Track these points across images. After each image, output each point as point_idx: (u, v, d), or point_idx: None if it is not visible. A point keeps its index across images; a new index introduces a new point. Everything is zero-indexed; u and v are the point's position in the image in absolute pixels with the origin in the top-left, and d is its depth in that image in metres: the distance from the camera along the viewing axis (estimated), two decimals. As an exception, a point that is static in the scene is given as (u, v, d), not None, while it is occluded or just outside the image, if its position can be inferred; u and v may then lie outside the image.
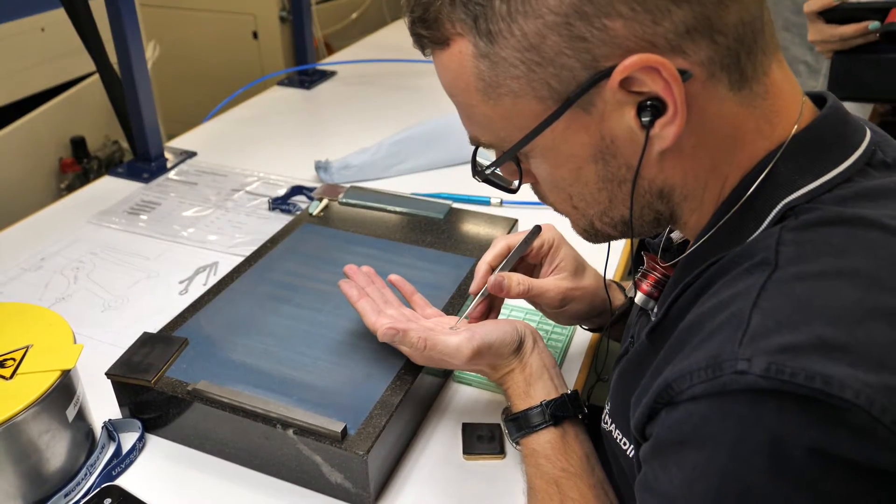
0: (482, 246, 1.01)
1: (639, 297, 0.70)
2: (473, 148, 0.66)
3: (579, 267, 0.86)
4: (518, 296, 0.82)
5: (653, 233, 0.64)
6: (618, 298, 0.89)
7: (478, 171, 0.66)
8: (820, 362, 0.45)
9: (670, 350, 0.55)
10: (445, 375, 0.89)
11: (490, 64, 0.55)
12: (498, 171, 0.66)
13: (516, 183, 0.66)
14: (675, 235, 0.72)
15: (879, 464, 0.44)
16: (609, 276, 1.00)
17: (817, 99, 0.60)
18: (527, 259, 0.86)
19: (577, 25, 0.51)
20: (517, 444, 0.77)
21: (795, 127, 0.56)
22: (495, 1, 0.53)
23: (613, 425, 0.68)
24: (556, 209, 0.66)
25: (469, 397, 0.88)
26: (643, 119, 0.53)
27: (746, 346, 0.47)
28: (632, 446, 0.64)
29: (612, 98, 0.53)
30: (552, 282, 0.84)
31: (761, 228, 0.55)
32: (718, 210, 0.58)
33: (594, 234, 0.65)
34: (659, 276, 0.69)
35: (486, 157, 0.67)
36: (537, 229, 0.85)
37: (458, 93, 0.60)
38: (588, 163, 0.58)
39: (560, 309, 0.85)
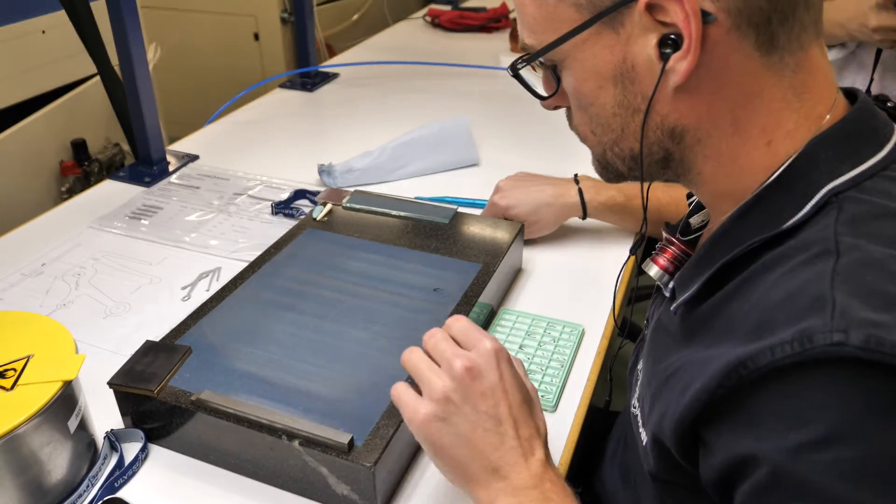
0: (488, 251, 1.00)
1: (654, 272, 0.71)
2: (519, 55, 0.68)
3: (531, 214, 1.08)
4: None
5: (662, 176, 0.66)
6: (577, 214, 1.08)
7: (510, 66, 0.68)
8: None
9: (718, 327, 0.56)
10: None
11: None
12: (528, 75, 0.68)
13: (546, 94, 0.68)
14: (695, 220, 0.73)
15: None
16: (622, 261, 1.00)
17: (849, 94, 0.61)
18: None
19: None
20: None
21: (829, 115, 0.58)
22: None
23: (640, 410, 0.68)
24: (579, 135, 0.69)
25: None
26: (662, 51, 0.56)
27: (839, 319, 0.47)
28: (644, 433, 0.64)
29: (638, 21, 0.56)
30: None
31: (803, 212, 0.55)
32: (754, 190, 0.59)
33: (606, 167, 0.67)
34: (677, 251, 0.71)
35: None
36: None
37: None
38: (608, 83, 0.61)
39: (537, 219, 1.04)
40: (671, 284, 0.68)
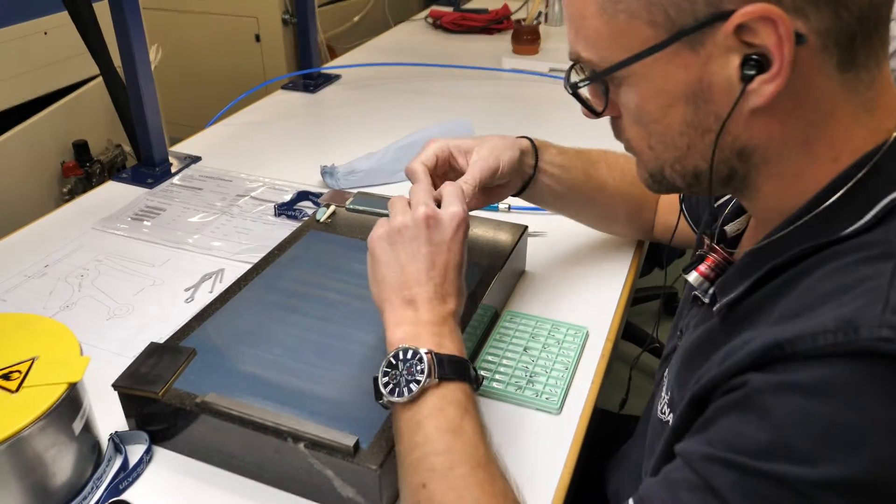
0: (491, 252, 1.00)
1: (693, 278, 0.69)
2: (569, 66, 0.65)
3: (478, 140, 0.89)
4: (475, 202, 0.87)
5: (721, 192, 0.64)
6: (528, 164, 0.93)
7: (570, 84, 0.65)
8: None
9: (758, 319, 0.55)
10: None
11: None
12: (586, 90, 0.65)
13: (600, 108, 0.65)
14: (730, 228, 0.72)
15: None
16: (626, 263, 1.00)
17: None
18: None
19: None
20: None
21: None
22: None
23: (672, 415, 0.66)
24: (628, 146, 0.66)
25: (481, 407, 0.86)
26: (745, 72, 0.53)
27: (891, 315, 0.46)
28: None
29: (722, 42, 0.53)
30: (478, 165, 0.86)
31: (864, 220, 0.54)
32: (816, 196, 0.57)
33: (659, 182, 0.65)
34: (718, 259, 0.69)
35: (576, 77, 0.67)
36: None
37: (575, 2, 0.60)
38: (679, 102, 0.58)
39: (499, 174, 0.87)
40: (710, 290, 0.67)
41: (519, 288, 1.07)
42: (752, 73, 0.53)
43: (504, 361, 0.91)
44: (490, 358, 0.92)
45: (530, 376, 0.89)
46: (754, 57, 0.53)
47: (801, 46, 0.52)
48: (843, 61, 0.54)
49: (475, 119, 1.47)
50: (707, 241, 0.71)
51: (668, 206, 1.06)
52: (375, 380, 0.69)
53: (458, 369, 0.68)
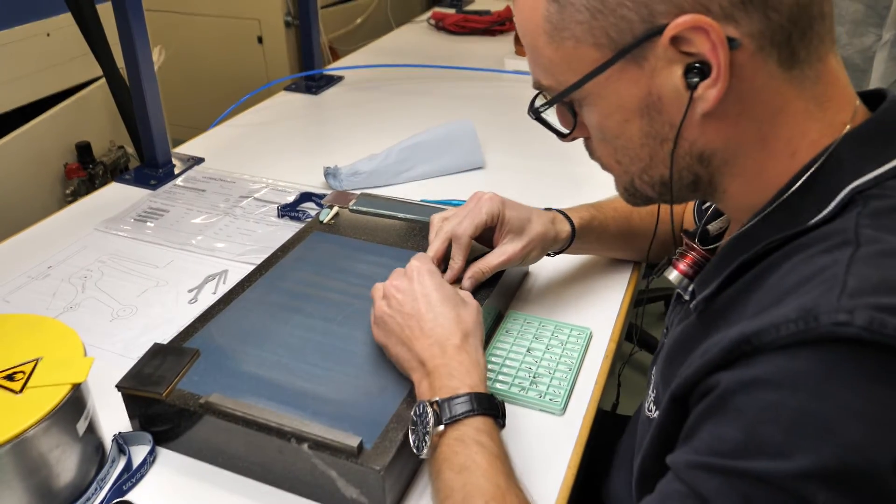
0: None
1: (674, 276, 0.73)
2: (532, 96, 0.69)
3: (524, 222, 0.93)
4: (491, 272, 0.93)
5: (691, 198, 0.67)
6: (564, 230, 0.97)
7: (532, 109, 0.69)
8: None
9: (732, 316, 0.57)
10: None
11: (558, 7, 0.59)
12: (549, 115, 0.69)
13: (567, 130, 0.69)
14: (713, 227, 0.75)
15: None
16: (630, 265, 1.00)
17: (875, 95, 0.62)
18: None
19: None
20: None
21: (852, 117, 0.59)
22: None
23: (657, 412, 0.68)
24: (602, 165, 0.69)
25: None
26: (689, 80, 0.56)
27: (846, 300, 0.48)
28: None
29: (663, 54, 0.56)
30: (509, 248, 0.93)
31: (826, 211, 0.56)
32: (778, 192, 0.60)
33: (634, 194, 0.68)
34: (697, 257, 0.72)
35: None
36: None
37: (528, 33, 0.63)
38: (634, 116, 0.61)
39: (525, 260, 0.95)
40: (691, 287, 0.69)
41: (522, 289, 1.07)
42: (696, 80, 0.56)
43: (507, 362, 0.91)
44: (494, 359, 0.92)
45: (534, 377, 0.89)
46: (696, 65, 0.56)
47: (736, 50, 0.55)
48: (784, 59, 0.56)
49: (477, 120, 1.47)
50: (686, 239, 0.74)
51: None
52: None
53: (466, 408, 0.70)
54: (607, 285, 1.07)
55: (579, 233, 0.98)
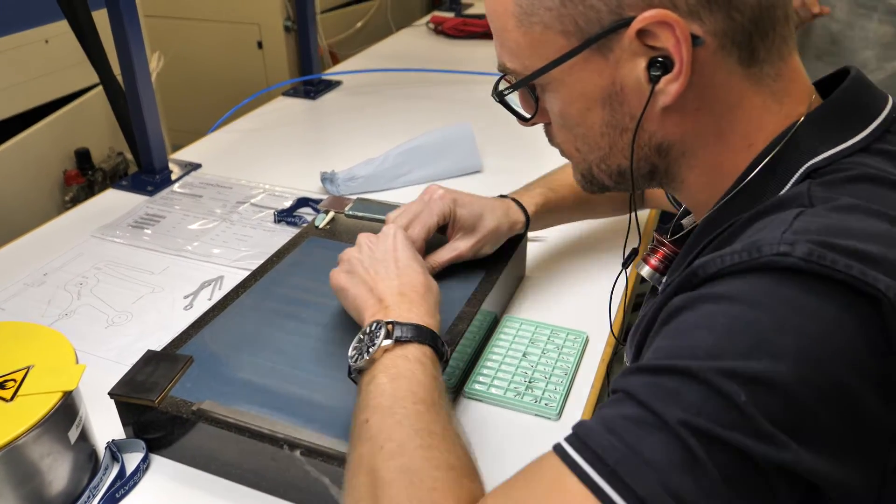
0: (491, 258, 0.99)
1: (646, 272, 0.75)
2: (499, 76, 0.70)
3: (476, 219, 0.95)
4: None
5: (646, 186, 0.68)
6: (519, 220, 1.00)
7: (497, 92, 0.70)
8: (857, 262, 0.48)
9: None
10: (455, 392, 0.87)
11: None
12: (514, 100, 0.70)
13: (529, 115, 0.69)
14: (687, 221, 0.76)
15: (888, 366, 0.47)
16: (624, 276, 0.99)
17: (839, 73, 0.64)
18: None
19: None
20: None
21: (808, 107, 0.60)
22: None
23: None
24: (561, 151, 0.71)
25: (479, 413, 0.86)
26: (651, 73, 0.58)
27: (790, 235, 0.50)
28: None
29: (628, 46, 0.57)
30: (460, 245, 0.95)
31: (783, 191, 0.58)
32: (737, 179, 0.61)
33: (591, 181, 0.70)
34: (667, 251, 0.75)
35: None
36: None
37: (497, 15, 0.64)
38: (596, 105, 0.62)
39: (478, 254, 0.97)
40: (663, 280, 0.71)
41: (519, 293, 1.06)
42: (659, 73, 0.57)
43: (503, 367, 0.91)
44: (489, 363, 0.91)
45: (529, 382, 0.88)
46: (659, 59, 0.57)
47: (699, 47, 0.56)
48: (744, 58, 0.58)
49: (475, 124, 1.47)
50: (657, 235, 0.76)
51: None
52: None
53: (417, 333, 0.71)
54: (604, 289, 1.06)
55: (534, 217, 1.02)
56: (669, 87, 0.57)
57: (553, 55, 0.61)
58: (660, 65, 0.57)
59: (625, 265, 0.80)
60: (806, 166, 0.57)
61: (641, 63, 0.58)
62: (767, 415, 0.45)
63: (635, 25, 0.56)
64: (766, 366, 0.46)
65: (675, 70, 0.57)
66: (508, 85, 0.68)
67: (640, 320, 0.70)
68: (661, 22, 0.55)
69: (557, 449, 0.51)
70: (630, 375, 0.51)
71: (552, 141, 0.71)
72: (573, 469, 0.49)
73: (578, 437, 0.50)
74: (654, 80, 0.58)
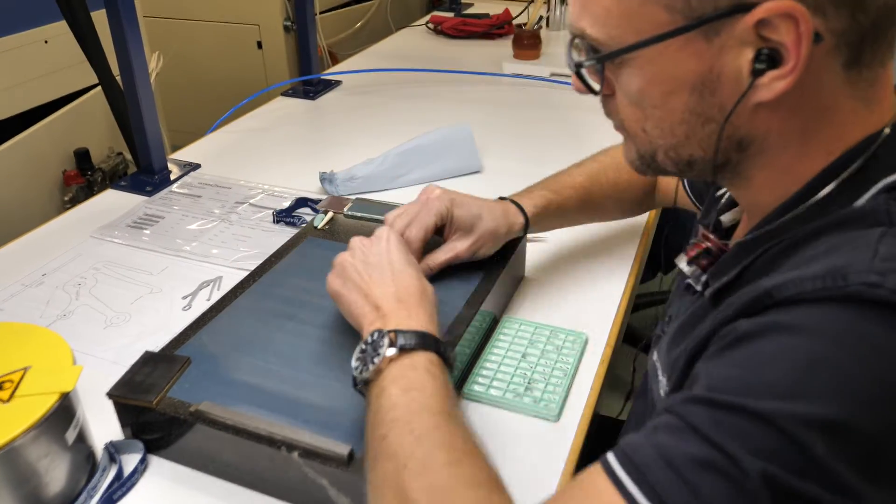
0: (491, 258, 0.99)
1: (685, 266, 0.70)
2: (569, 40, 0.63)
3: (474, 219, 0.93)
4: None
5: (709, 178, 0.64)
6: (517, 222, 0.97)
7: (575, 63, 0.63)
8: None
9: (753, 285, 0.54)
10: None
11: None
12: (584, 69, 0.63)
13: (598, 86, 0.63)
14: (726, 218, 0.72)
15: None
16: (627, 269, 0.99)
17: None
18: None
19: None
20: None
21: (892, 119, 0.57)
22: None
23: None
24: (619, 126, 0.65)
25: (478, 415, 0.85)
26: (757, 66, 0.53)
27: (879, 263, 0.46)
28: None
29: (739, 34, 0.53)
30: (458, 245, 0.93)
31: (858, 203, 0.54)
32: (808, 185, 0.57)
33: (648, 164, 0.64)
34: (711, 247, 0.70)
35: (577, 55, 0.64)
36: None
37: None
38: (684, 90, 0.57)
39: (476, 255, 0.95)
40: (703, 278, 0.67)
41: (518, 294, 1.06)
42: (763, 67, 0.53)
43: (502, 368, 0.90)
44: (488, 364, 0.91)
45: (528, 383, 0.88)
46: (765, 51, 0.52)
47: (815, 45, 0.52)
48: (849, 60, 0.54)
49: (475, 124, 1.47)
50: (702, 230, 0.72)
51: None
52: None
53: (421, 341, 0.69)
54: (604, 290, 1.06)
55: (534, 220, 0.99)
56: (775, 83, 0.53)
57: (651, 31, 0.55)
58: (765, 57, 0.52)
59: (665, 271, 0.76)
60: (883, 183, 0.54)
61: (749, 54, 0.53)
62: (845, 465, 0.43)
63: (757, 14, 0.51)
64: (846, 413, 0.43)
65: (787, 66, 0.52)
66: (591, 58, 0.61)
67: (682, 323, 0.66)
68: (786, 14, 0.50)
69: (609, 472, 0.48)
70: (693, 405, 0.48)
71: (611, 114, 0.65)
72: (627, 498, 0.46)
73: (633, 463, 0.47)
74: (756, 73, 0.53)
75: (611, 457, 0.49)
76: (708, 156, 0.59)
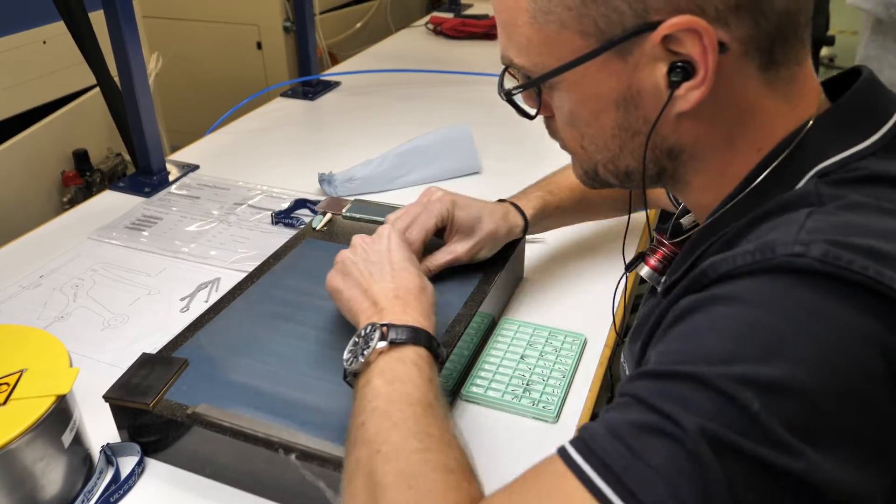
0: (489, 259, 0.98)
1: (645, 272, 0.74)
2: (501, 70, 0.68)
3: (475, 221, 0.94)
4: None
5: (652, 187, 0.66)
6: (517, 224, 0.99)
7: (504, 91, 0.68)
8: (873, 262, 0.47)
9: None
10: (452, 394, 0.87)
11: None
12: (520, 96, 0.68)
13: (533, 112, 0.68)
14: (686, 220, 0.75)
15: None
16: (620, 289, 0.99)
17: (852, 72, 0.63)
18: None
19: None
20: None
21: (817, 105, 0.59)
22: None
23: None
24: (563, 146, 0.69)
25: (477, 416, 0.85)
26: (672, 79, 0.56)
27: (804, 235, 0.49)
28: None
29: (650, 51, 0.55)
30: (458, 248, 0.94)
31: (791, 193, 0.56)
32: (744, 181, 0.60)
33: (593, 179, 0.68)
34: (667, 252, 0.74)
35: (511, 81, 0.68)
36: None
37: (507, 9, 0.61)
38: (610, 107, 0.60)
39: (475, 257, 0.95)
40: (662, 280, 0.70)
41: (517, 295, 1.06)
42: (678, 79, 0.55)
43: (501, 369, 0.90)
44: (487, 366, 0.91)
45: (527, 385, 0.88)
46: (679, 64, 0.55)
47: (723, 54, 0.54)
48: (763, 63, 0.57)
49: (475, 125, 1.47)
50: (657, 235, 0.75)
51: None
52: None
53: (412, 335, 0.70)
54: (602, 291, 1.06)
55: (533, 221, 1.01)
56: (690, 94, 0.56)
57: (568, 56, 0.59)
58: (680, 70, 0.55)
59: (628, 269, 0.78)
60: (815, 170, 0.56)
61: (662, 68, 0.56)
62: (783, 422, 0.44)
63: (661, 31, 0.54)
64: (782, 372, 0.45)
65: (698, 77, 0.55)
66: (518, 85, 0.65)
67: (640, 321, 0.69)
68: (689, 28, 0.53)
69: (561, 452, 0.50)
70: (638, 380, 0.50)
71: (554, 135, 0.69)
72: (577, 474, 0.48)
73: (583, 440, 0.49)
74: (673, 86, 0.56)
75: (566, 443, 0.51)
76: (641, 166, 0.62)
